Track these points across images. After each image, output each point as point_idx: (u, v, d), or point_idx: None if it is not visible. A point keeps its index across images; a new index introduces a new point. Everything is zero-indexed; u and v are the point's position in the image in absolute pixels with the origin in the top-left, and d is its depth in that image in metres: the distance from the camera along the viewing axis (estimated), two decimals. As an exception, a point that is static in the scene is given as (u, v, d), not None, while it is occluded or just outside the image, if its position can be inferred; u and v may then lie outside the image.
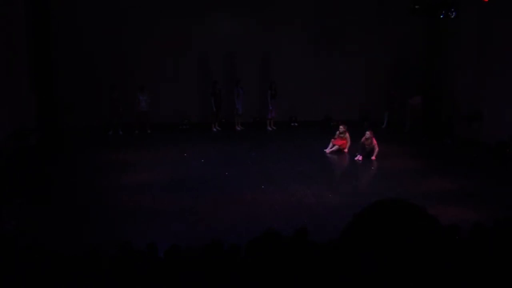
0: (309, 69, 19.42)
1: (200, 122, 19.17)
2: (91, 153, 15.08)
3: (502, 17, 16.02)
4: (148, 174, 13.19)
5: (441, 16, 15.70)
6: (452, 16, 15.52)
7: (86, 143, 16.16)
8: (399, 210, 1.73)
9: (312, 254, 4.66)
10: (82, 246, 6.74)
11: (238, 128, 18.73)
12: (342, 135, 15.40)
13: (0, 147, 13.33)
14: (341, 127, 15.49)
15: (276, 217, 10.35)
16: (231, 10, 19.01)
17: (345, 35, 19.57)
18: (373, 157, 14.53)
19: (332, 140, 15.49)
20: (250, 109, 19.00)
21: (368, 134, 14.64)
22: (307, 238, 6.02)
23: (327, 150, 15.36)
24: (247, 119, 19.03)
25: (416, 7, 15.70)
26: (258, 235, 4.71)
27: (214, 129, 18.57)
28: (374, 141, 14.61)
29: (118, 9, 18.21)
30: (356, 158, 14.56)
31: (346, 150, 15.36)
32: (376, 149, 14.57)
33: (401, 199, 1.80)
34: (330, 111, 19.74)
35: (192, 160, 14.54)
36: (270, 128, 18.90)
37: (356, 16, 19.52)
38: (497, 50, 16.35)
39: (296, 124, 19.46)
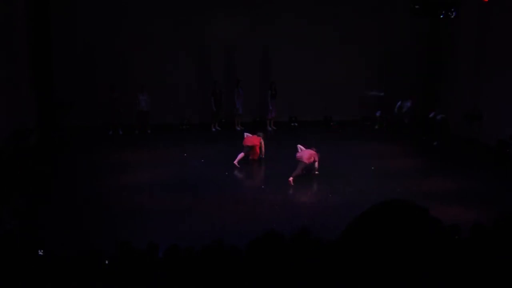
0: (309, 70, 19.41)
1: (200, 122, 19.18)
2: (91, 153, 15.08)
3: (501, 17, 16.02)
4: (148, 174, 13.18)
5: (441, 16, 15.71)
6: (452, 16, 15.53)
7: (86, 143, 16.16)
8: (402, 211, 1.74)
9: (314, 254, 4.66)
10: (82, 246, 6.73)
11: (238, 128, 18.73)
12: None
13: (0, 147, 13.33)
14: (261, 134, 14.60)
15: (276, 217, 10.35)
16: (230, 10, 19.00)
17: (345, 36, 19.56)
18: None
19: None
20: (250, 109, 19.01)
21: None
22: (309, 237, 6.00)
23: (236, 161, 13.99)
24: (247, 119, 19.03)
25: (416, 7, 15.70)
26: (259, 235, 4.70)
27: (214, 129, 18.58)
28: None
29: (118, 9, 18.21)
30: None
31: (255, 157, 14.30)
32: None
33: (404, 200, 1.80)
34: (330, 111, 19.75)
35: (192, 160, 14.54)
36: (270, 128, 18.90)
37: (356, 16, 19.52)
38: (497, 49, 16.34)
39: (296, 124, 19.47)
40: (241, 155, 13.83)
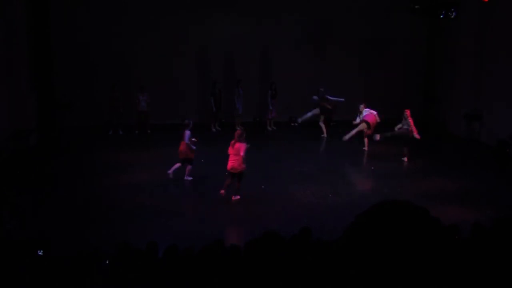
0: (309, 70, 19.40)
1: (200, 122, 19.16)
2: (91, 153, 15.07)
3: (501, 17, 16.03)
4: (148, 174, 13.17)
5: (441, 16, 15.72)
6: (452, 16, 15.53)
7: (86, 143, 16.15)
8: (402, 211, 1.74)
9: (313, 254, 4.66)
10: (82, 246, 6.73)
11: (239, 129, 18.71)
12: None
13: (0, 147, 13.34)
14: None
15: (276, 217, 10.35)
16: (230, 10, 19.00)
17: (344, 36, 19.56)
18: None
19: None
20: (250, 109, 18.99)
21: None
22: (310, 237, 6.01)
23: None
24: (247, 119, 19.01)
25: (416, 7, 15.71)
26: (258, 235, 4.71)
27: (214, 129, 18.57)
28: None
29: (118, 9, 18.20)
30: None
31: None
32: None
33: (404, 200, 1.80)
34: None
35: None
36: (270, 128, 18.89)
37: (356, 16, 19.52)
38: (496, 50, 16.35)
39: (296, 124, 19.44)
40: (177, 165, 12.72)
